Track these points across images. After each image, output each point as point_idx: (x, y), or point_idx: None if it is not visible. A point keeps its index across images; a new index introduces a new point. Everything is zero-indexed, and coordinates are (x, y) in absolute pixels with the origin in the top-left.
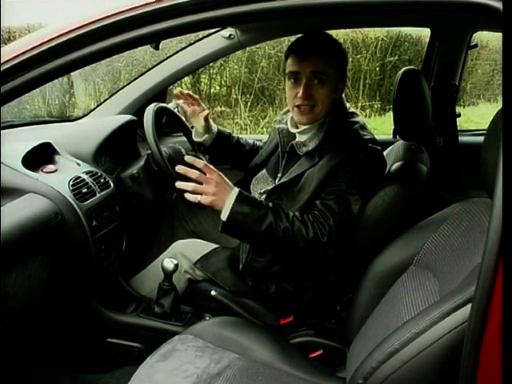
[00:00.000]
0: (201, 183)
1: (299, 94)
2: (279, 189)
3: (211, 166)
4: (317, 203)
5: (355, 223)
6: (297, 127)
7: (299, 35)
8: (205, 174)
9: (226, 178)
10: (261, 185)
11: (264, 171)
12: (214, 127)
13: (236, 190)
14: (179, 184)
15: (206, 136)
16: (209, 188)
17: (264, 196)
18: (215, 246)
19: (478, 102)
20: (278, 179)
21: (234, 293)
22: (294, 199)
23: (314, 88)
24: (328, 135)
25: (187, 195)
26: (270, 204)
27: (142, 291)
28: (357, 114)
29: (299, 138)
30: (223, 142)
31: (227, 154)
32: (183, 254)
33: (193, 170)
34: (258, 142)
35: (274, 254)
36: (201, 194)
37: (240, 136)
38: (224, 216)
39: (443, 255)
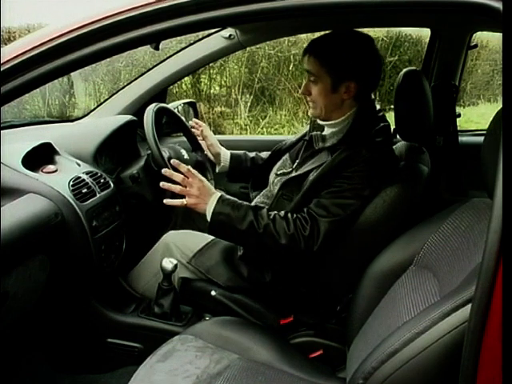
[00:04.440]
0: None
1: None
2: (290, 182)
3: (194, 171)
4: (313, 201)
5: (354, 223)
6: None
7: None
8: (188, 178)
9: (208, 183)
10: (279, 165)
11: (287, 156)
12: (226, 157)
13: (218, 193)
14: (164, 184)
15: (219, 167)
16: (192, 191)
17: (278, 178)
18: (207, 236)
19: (478, 102)
20: (294, 165)
21: (230, 288)
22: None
23: (310, 86)
24: (346, 136)
25: (167, 201)
26: (252, 203)
27: (137, 286)
28: (385, 120)
29: (326, 131)
30: (239, 167)
31: (246, 176)
32: (176, 245)
33: (178, 173)
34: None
35: (258, 250)
36: (184, 197)
37: (252, 154)
38: (208, 217)
39: (443, 255)
